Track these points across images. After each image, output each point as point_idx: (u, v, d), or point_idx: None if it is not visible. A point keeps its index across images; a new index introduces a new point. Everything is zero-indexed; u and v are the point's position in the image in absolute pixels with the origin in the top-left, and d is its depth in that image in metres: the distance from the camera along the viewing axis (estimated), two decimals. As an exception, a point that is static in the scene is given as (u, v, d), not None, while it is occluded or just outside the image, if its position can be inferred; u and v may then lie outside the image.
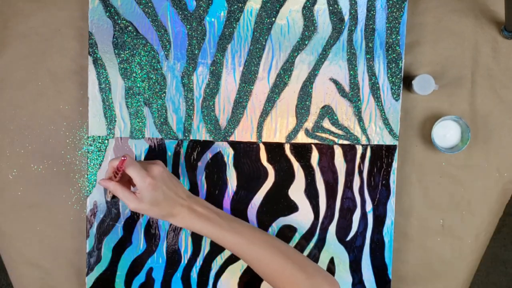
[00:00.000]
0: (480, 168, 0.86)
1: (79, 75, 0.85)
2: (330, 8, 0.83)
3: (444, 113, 0.85)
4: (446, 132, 0.84)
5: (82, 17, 0.84)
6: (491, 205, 0.87)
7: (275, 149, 0.84)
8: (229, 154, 0.83)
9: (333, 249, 0.85)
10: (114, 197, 0.74)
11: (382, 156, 0.84)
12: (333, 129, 0.84)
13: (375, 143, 0.84)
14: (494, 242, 1.53)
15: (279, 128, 0.84)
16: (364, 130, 0.84)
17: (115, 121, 0.83)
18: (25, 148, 0.85)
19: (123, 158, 0.67)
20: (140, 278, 0.84)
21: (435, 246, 0.86)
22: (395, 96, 0.83)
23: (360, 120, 0.84)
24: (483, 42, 0.85)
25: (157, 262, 0.84)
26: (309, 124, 0.84)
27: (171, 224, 0.84)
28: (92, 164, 0.83)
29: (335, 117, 0.84)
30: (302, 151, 0.84)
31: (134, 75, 0.83)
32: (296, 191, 0.84)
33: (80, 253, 0.86)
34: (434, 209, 0.86)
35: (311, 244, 0.84)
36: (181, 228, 0.84)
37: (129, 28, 0.82)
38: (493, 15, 0.85)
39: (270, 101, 0.83)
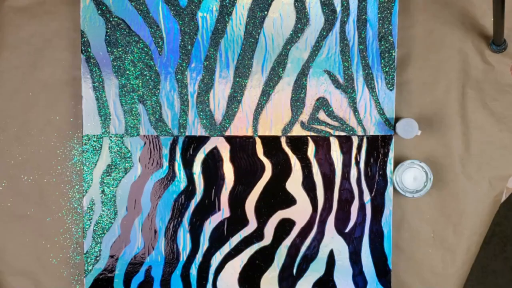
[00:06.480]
0: (472, 179, 0.86)
1: (70, 86, 0.84)
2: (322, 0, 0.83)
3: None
4: (409, 177, 0.84)
5: (74, 27, 0.84)
6: (482, 217, 0.86)
7: (271, 143, 0.84)
8: (225, 149, 0.83)
9: (333, 241, 0.84)
10: None
11: (378, 146, 0.84)
12: (328, 120, 0.84)
13: (371, 133, 0.84)
14: (484, 252, 1.52)
15: (274, 121, 0.84)
16: (359, 121, 0.84)
17: (110, 119, 0.82)
18: (15, 159, 0.84)
19: None
20: (139, 277, 0.83)
21: (426, 258, 0.86)
22: (389, 86, 0.84)
23: (355, 111, 0.84)
24: (473, 55, 0.86)
25: (156, 260, 0.83)
26: (304, 116, 0.84)
27: (169, 221, 0.83)
28: (87, 163, 0.82)
29: (330, 109, 0.84)
30: (298, 144, 0.84)
31: (127, 72, 0.82)
32: (294, 184, 0.84)
33: (74, 259, 0.85)
34: (425, 221, 0.86)
35: (310, 237, 0.84)
36: (179, 225, 0.83)
37: (121, 25, 0.82)
38: (482, 29, 0.86)
39: (265, 95, 0.83)
